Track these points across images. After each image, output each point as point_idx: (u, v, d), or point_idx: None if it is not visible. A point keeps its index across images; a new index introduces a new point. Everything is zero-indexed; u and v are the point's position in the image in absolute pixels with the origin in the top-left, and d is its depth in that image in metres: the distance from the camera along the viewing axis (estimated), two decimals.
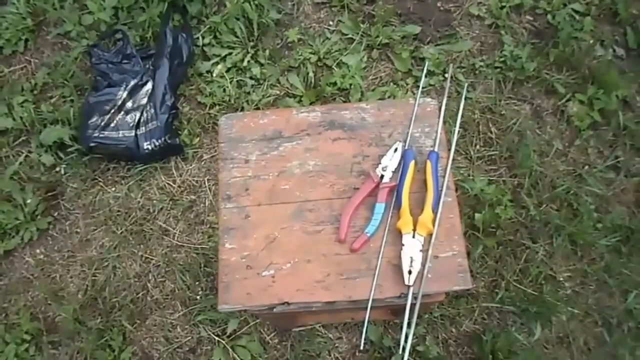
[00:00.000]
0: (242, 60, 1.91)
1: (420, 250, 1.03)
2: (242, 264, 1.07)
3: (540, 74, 1.87)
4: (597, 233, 1.65)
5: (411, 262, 1.02)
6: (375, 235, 1.06)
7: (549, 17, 1.95)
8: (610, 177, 1.75)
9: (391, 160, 1.11)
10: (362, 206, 1.09)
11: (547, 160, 1.76)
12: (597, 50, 1.92)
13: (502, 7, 1.97)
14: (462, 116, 1.27)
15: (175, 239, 1.72)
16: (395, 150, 1.12)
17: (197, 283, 1.66)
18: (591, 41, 1.91)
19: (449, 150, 1.15)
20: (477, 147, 1.79)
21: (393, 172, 1.10)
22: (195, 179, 1.79)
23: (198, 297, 1.65)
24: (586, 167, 1.76)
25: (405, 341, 1.04)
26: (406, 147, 1.13)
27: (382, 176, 1.09)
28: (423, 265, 1.03)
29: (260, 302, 1.04)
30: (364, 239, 1.05)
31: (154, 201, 1.77)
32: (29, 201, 1.76)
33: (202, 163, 1.81)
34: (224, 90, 1.87)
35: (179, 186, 1.79)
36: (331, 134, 1.16)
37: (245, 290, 1.05)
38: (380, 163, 1.11)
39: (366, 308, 1.03)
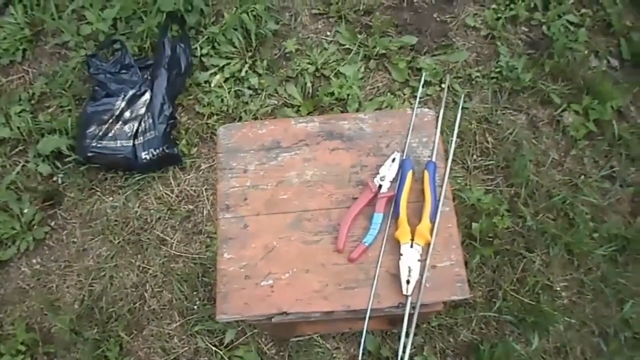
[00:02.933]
0: (240, 71, 1.92)
1: (419, 260, 1.03)
2: (240, 274, 1.07)
3: (535, 84, 1.88)
4: (593, 243, 1.66)
5: (409, 271, 1.02)
6: (373, 245, 1.07)
7: (544, 28, 1.97)
8: (605, 187, 1.76)
9: (389, 170, 1.11)
10: (361, 216, 1.09)
11: (543, 170, 1.77)
12: (591, 61, 1.94)
13: (498, 18, 1.99)
14: (459, 126, 1.28)
15: (173, 248, 1.72)
16: (393, 160, 1.12)
17: (194, 293, 1.66)
18: (586, 52, 1.94)
19: (447, 160, 1.16)
20: (474, 156, 1.80)
21: (391, 182, 1.11)
22: (193, 188, 1.79)
23: (195, 307, 1.64)
24: (582, 177, 1.77)
25: (404, 351, 1.04)
26: (404, 157, 1.13)
27: (380, 186, 1.10)
28: (421, 275, 1.03)
29: (259, 312, 1.04)
30: (362, 249, 1.06)
31: (152, 211, 1.76)
32: (25, 211, 1.76)
33: (200, 173, 1.82)
34: (222, 100, 1.88)
35: (177, 196, 1.79)
36: (329, 144, 1.17)
37: (243, 300, 1.05)
38: (378, 173, 1.11)
39: (364, 318, 1.04)
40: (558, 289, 1.63)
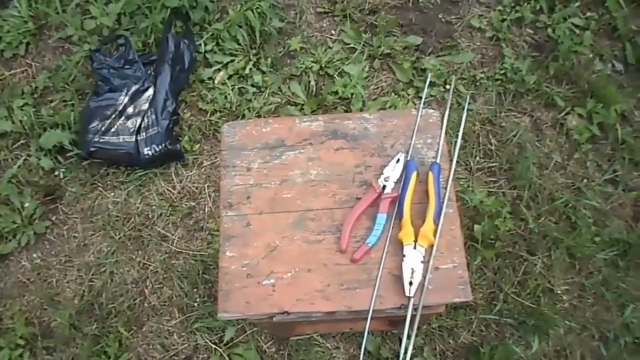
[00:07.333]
0: (244, 68, 1.91)
1: (421, 262, 1.03)
2: (242, 273, 1.06)
3: (540, 87, 1.88)
4: (595, 246, 1.66)
5: (412, 273, 1.02)
6: (376, 245, 1.06)
7: (549, 30, 1.97)
8: (608, 191, 1.75)
9: (393, 171, 1.11)
10: (364, 216, 1.09)
11: (546, 173, 1.77)
12: (596, 65, 1.94)
13: (503, 20, 1.98)
14: (463, 127, 1.28)
15: (174, 245, 1.72)
16: (398, 160, 1.12)
17: (194, 290, 1.66)
18: (590, 55, 1.93)
19: (451, 161, 1.15)
20: (477, 158, 1.79)
21: (395, 182, 1.10)
22: (195, 185, 1.79)
23: (196, 304, 1.64)
24: (585, 180, 1.76)
25: (405, 353, 1.04)
26: (408, 158, 1.13)
27: (384, 186, 1.10)
28: (424, 276, 1.03)
29: (260, 311, 1.04)
30: (365, 250, 1.05)
31: (153, 207, 1.76)
32: (27, 205, 1.75)
33: (202, 169, 1.81)
34: (225, 97, 1.87)
35: (179, 192, 1.78)
36: (334, 144, 1.16)
37: (245, 298, 1.04)
38: (382, 173, 1.11)
39: (365, 318, 1.03)
40: (559, 292, 1.63)
